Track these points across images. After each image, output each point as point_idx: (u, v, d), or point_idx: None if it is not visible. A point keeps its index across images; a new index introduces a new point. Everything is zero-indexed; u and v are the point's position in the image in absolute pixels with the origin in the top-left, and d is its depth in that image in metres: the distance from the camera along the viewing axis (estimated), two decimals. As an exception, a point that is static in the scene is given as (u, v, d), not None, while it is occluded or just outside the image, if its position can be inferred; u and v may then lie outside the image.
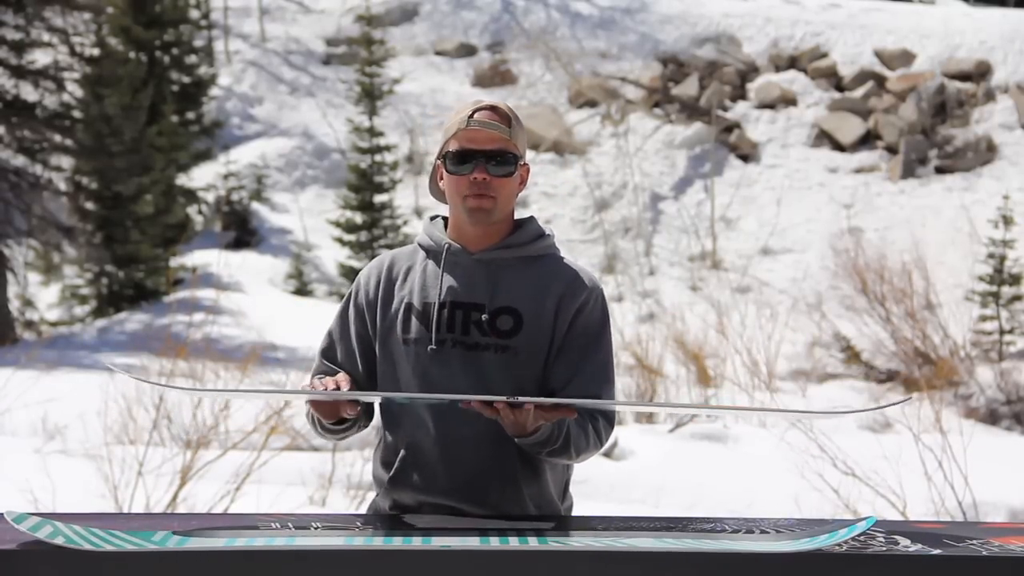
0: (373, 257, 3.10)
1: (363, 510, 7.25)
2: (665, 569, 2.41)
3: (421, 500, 2.90)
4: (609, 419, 2.89)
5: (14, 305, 17.09)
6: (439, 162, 2.94)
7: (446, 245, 2.93)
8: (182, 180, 20.44)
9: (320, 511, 7.06)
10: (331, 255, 20.17)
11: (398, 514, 2.91)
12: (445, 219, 3.04)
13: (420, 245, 3.01)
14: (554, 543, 2.47)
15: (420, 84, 24.75)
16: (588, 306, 2.90)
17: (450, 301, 2.88)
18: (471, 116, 2.86)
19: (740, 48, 25.45)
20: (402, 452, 2.92)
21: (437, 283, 2.91)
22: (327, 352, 3.01)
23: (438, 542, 2.45)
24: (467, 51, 25.94)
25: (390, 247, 19.03)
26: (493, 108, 2.89)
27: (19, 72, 16.94)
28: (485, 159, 2.85)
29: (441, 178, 2.94)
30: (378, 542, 2.47)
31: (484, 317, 2.86)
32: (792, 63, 25.10)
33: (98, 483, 7.01)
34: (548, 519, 2.87)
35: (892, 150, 22.94)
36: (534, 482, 2.91)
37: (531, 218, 3.00)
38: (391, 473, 2.94)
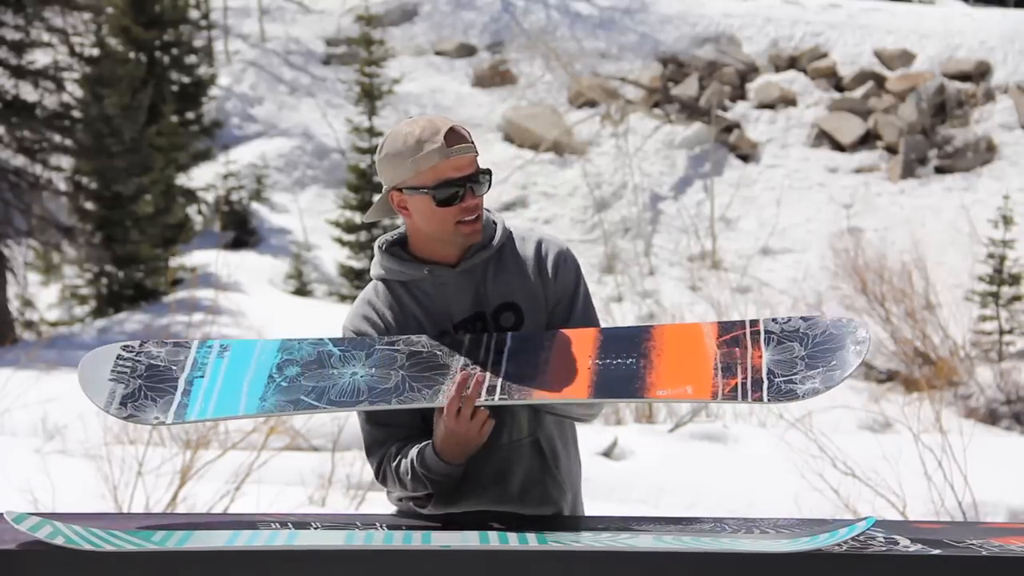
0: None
1: (363, 510, 7.23)
2: (665, 569, 2.41)
3: (463, 507, 2.87)
4: None
5: (14, 305, 17.06)
6: (408, 194, 2.84)
7: (427, 270, 2.89)
8: (182, 180, 20.41)
9: (320, 511, 7.05)
10: (331, 255, 20.16)
11: (408, 518, 2.91)
12: (392, 244, 2.98)
13: (391, 280, 2.94)
14: (554, 543, 2.46)
15: (420, 84, 24.74)
16: (560, 268, 2.92)
17: (459, 321, 2.88)
18: (449, 146, 2.78)
19: (740, 48, 25.44)
20: None
21: (439, 309, 2.89)
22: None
23: (438, 542, 2.45)
24: (467, 51, 25.93)
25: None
26: (456, 129, 2.81)
27: (19, 72, 16.92)
28: (469, 183, 2.82)
29: (404, 207, 2.87)
30: (378, 542, 2.47)
31: (489, 324, 2.89)
32: (792, 63, 25.08)
33: (98, 483, 7.01)
34: (548, 519, 2.87)
35: (892, 150, 22.93)
36: (568, 483, 2.96)
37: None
38: None
